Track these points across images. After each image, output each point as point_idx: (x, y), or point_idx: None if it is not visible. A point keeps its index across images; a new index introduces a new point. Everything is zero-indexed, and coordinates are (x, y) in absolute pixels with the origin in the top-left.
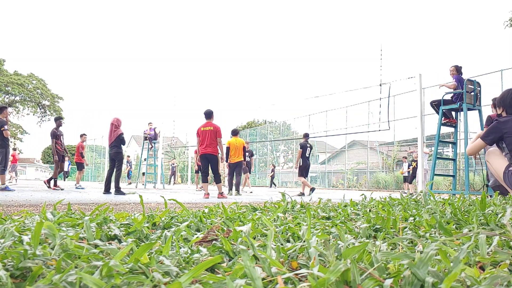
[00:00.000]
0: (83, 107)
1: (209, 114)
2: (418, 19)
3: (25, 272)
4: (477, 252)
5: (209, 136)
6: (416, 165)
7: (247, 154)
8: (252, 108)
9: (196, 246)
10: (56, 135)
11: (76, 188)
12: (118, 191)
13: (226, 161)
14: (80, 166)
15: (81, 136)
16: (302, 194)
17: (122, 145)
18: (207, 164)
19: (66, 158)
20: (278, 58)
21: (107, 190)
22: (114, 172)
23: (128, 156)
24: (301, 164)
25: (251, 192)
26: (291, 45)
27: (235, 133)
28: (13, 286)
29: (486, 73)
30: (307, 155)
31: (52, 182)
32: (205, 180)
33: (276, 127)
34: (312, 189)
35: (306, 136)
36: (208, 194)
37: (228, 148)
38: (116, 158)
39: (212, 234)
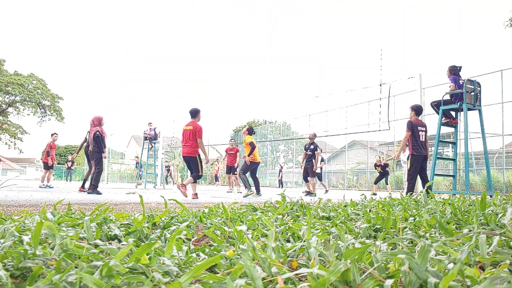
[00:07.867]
0: (83, 107)
1: (193, 113)
2: (418, 19)
3: (25, 272)
4: (477, 252)
5: (188, 135)
6: (381, 169)
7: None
8: (252, 108)
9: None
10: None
11: (39, 187)
12: (94, 189)
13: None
14: (45, 166)
15: (52, 135)
16: (309, 193)
17: (101, 144)
18: (188, 165)
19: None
20: (278, 58)
21: (83, 186)
22: (94, 171)
23: (137, 157)
24: (306, 166)
25: (327, 191)
26: (291, 44)
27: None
28: (13, 286)
29: (486, 73)
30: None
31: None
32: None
33: (276, 127)
34: (309, 193)
35: (312, 138)
36: (195, 194)
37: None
38: (93, 157)
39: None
